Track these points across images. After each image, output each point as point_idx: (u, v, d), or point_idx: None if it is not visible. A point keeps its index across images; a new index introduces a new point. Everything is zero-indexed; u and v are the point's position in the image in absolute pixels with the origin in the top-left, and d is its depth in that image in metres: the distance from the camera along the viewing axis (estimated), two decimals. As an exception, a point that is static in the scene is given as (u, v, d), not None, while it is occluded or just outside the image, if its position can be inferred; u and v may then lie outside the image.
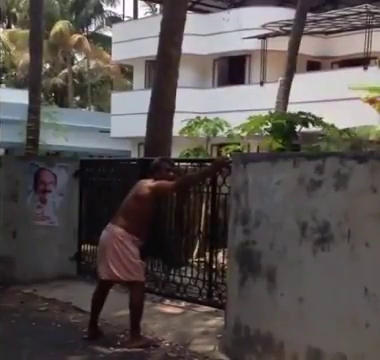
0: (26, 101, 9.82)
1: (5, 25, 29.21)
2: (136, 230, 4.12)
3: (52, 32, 25.51)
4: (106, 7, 30.69)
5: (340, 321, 3.16)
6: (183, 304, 4.95)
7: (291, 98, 11.10)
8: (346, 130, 7.69)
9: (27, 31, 17.47)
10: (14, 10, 29.64)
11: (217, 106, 15.29)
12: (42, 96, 10.66)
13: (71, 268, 6.15)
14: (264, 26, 15.96)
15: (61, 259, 6.09)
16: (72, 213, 6.22)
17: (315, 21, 15.25)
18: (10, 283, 5.91)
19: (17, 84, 27.23)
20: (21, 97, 12.71)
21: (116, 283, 4.39)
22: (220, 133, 9.28)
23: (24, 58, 23.57)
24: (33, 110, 9.51)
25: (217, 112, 12.54)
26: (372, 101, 9.17)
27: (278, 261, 3.46)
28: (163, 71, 7.22)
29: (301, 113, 7.70)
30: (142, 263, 4.26)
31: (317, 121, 7.57)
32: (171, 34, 7.19)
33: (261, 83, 16.21)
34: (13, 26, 29.42)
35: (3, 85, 26.70)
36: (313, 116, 7.66)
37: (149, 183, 4.19)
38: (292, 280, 3.38)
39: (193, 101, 15.76)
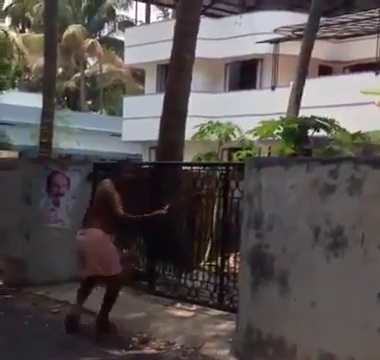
0: (39, 104, 9.91)
1: (19, 29, 29.54)
2: (110, 228, 4.48)
3: (64, 35, 25.75)
4: (119, 11, 30.92)
5: (352, 325, 3.15)
6: (194, 307, 4.96)
7: (303, 103, 11.08)
8: (358, 134, 7.66)
9: (41, 35, 17.67)
10: (28, 14, 29.99)
11: (228, 110, 15.30)
12: (55, 100, 10.73)
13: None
14: (276, 30, 15.95)
15: (73, 261, 6.10)
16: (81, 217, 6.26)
17: (327, 25, 15.21)
18: (23, 285, 5.96)
19: (31, 88, 27.51)
20: (34, 100, 12.84)
21: (98, 277, 4.58)
22: (232, 138, 9.30)
23: (38, 62, 23.79)
24: (47, 113, 9.59)
25: (228, 116, 12.56)
26: (385, 105, 9.12)
27: (291, 265, 3.46)
28: (176, 75, 7.26)
29: (314, 117, 7.69)
30: (125, 254, 4.69)
31: (330, 125, 7.56)
32: (184, 38, 7.23)
33: (273, 87, 16.19)
34: (27, 30, 29.75)
35: (17, 89, 26.99)
36: (325, 120, 7.64)
37: (108, 189, 4.50)
38: (305, 284, 3.38)
39: (204, 105, 15.78)
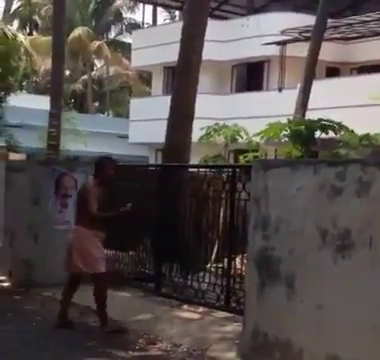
0: (47, 107, 9.97)
1: (27, 32, 29.73)
2: (93, 225, 4.56)
3: (71, 38, 25.88)
4: (126, 14, 31.02)
5: (360, 328, 3.14)
6: (201, 309, 4.96)
7: (310, 104, 11.05)
8: (366, 136, 7.63)
9: (49, 38, 17.77)
10: (36, 17, 30.18)
11: (235, 112, 15.29)
12: (62, 102, 10.78)
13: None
14: (283, 32, 15.94)
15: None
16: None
17: (335, 27, 15.18)
18: (31, 286, 5.99)
19: (38, 90, 27.66)
20: (42, 103, 12.92)
21: (80, 273, 4.73)
22: (239, 140, 9.28)
23: (45, 64, 23.94)
24: (54, 115, 9.65)
25: (235, 118, 12.53)
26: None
27: (298, 267, 3.46)
28: (183, 77, 7.28)
29: (321, 120, 7.67)
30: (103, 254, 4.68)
31: (338, 127, 7.53)
32: (192, 40, 7.26)
33: (279, 89, 16.17)
34: (35, 33, 29.94)
35: (25, 91, 27.15)
36: (333, 122, 7.62)
37: (86, 187, 4.66)
38: (312, 287, 3.37)
39: (211, 107, 15.79)
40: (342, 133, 7.68)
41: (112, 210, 4.69)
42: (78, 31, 26.40)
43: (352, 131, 7.66)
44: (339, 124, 7.62)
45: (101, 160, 4.77)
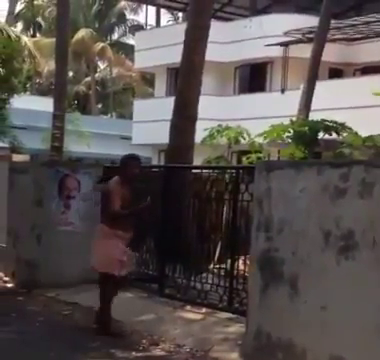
0: (50, 108, 10.01)
1: (30, 34, 29.83)
2: (115, 224, 4.47)
3: (74, 39, 25.95)
4: (129, 16, 31.12)
5: (363, 329, 3.14)
6: (204, 310, 4.96)
7: (313, 105, 11.06)
8: (370, 137, 7.62)
9: (52, 40, 17.83)
10: (39, 19, 30.28)
11: (238, 113, 15.31)
12: (66, 103, 10.82)
13: (93, 273, 6.20)
14: (286, 33, 15.95)
15: (84, 264, 6.13)
16: (95, 218, 6.28)
17: (338, 28, 15.18)
18: (34, 287, 6.00)
19: (42, 91, 27.76)
20: (46, 104, 12.97)
21: (95, 272, 4.66)
22: (241, 141, 9.30)
23: (49, 66, 24.03)
24: (58, 117, 9.69)
25: (238, 119, 12.56)
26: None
27: (301, 269, 3.46)
28: (187, 78, 7.30)
29: (324, 121, 7.67)
30: (129, 254, 4.60)
31: (341, 128, 7.53)
32: (195, 42, 7.27)
33: (282, 90, 16.17)
34: (38, 35, 30.04)
35: (28, 92, 27.24)
36: (336, 122, 7.62)
37: (109, 186, 4.56)
38: (315, 288, 3.38)
39: (214, 108, 15.79)
40: (345, 134, 7.67)
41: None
42: (81, 33, 26.50)
43: (356, 133, 7.65)
44: (342, 125, 7.61)
45: (125, 159, 4.65)
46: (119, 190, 4.50)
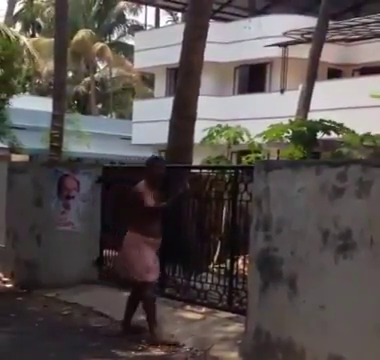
0: (49, 108, 10.01)
1: (29, 34, 29.83)
2: (148, 231, 4.41)
3: (74, 40, 25.97)
4: (128, 16, 31.13)
5: (362, 328, 3.15)
6: (203, 310, 4.97)
7: (312, 106, 11.07)
8: (367, 135, 7.63)
9: (51, 40, 17.84)
10: (38, 19, 30.28)
11: (237, 114, 15.32)
12: (65, 103, 10.83)
13: (93, 273, 6.23)
14: (285, 34, 15.98)
15: (83, 264, 6.17)
16: (94, 219, 6.32)
17: (336, 29, 15.21)
18: (34, 287, 6.02)
19: (41, 92, 27.75)
20: (45, 104, 12.98)
21: (130, 281, 4.55)
22: (241, 141, 9.31)
23: (48, 66, 24.02)
24: (57, 117, 9.69)
25: (237, 120, 12.57)
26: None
27: (300, 268, 3.47)
28: (185, 79, 7.31)
29: (323, 121, 7.68)
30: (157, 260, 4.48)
31: (339, 128, 7.54)
32: (194, 42, 7.29)
33: (282, 91, 16.19)
34: (37, 35, 30.04)
35: (27, 93, 27.24)
36: (334, 122, 7.63)
37: (136, 190, 4.48)
38: (314, 287, 3.39)
39: (213, 108, 15.81)
40: (344, 134, 7.69)
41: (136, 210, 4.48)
42: (81, 33, 26.50)
43: (353, 132, 7.66)
44: (340, 125, 7.63)
45: (150, 161, 4.61)
46: (149, 191, 4.45)
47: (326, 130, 7.59)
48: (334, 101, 13.73)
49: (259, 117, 13.89)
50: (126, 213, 4.62)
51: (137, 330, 4.53)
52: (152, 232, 4.44)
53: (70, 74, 27.99)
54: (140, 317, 4.59)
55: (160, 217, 4.58)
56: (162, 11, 27.26)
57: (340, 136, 7.77)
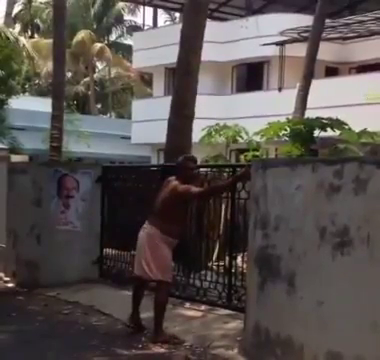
0: (49, 109, 10.02)
1: (28, 35, 29.82)
2: (169, 230, 4.30)
3: (74, 41, 25.98)
4: (127, 16, 31.14)
5: (360, 325, 3.18)
6: (203, 307, 5.01)
7: (309, 104, 11.09)
8: (364, 132, 7.64)
9: (50, 41, 17.82)
10: (37, 20, 30.27)
11: (235, 112, 15.35)
12: (64, 104, 10.85)
13: (93, 272, 6.26)
14: (282, 33, 15.99)
15: (84, 263, 6.20)
16: (94, 218, 6.35)
17: (333, 27, 15.22)
18: (34, 286, 6.04)
19: (41, 92, 27.74)
20: (44, 105, 12.98)
21: (146, 280, 4.48)
22: (239, 140, 9.34)
23: (47, 67, 24.02)
24: (56, 117, 9.70)
25: (235, 118, 12.59)
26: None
27: (297, 265, 3.50)
28: (183, 78, 7.33)
29: (319, 118, 7.70)
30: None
31: (336, 124, 7.55)
32: (191, 41, 7.31)
33: (279, 89, 16.21)
34: (36, 36, 30.03)
35: (27, 93, 27.25)
36: (331, 119, 7.64)
37: (177, 185, 4.28)
38: (312, 284, 3.41)
39: (212, 107, 15.84)
40: (341, 132, 7.70)
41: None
42: (81, 34, 26.50)
43: (349, 128, 7.68)
44: (337, 120, 7.64)
45: (182, 160, 4.42)
46: (183, 185, 4.25)
47: (323, 127, 7.61)
48: (331, 99, 13.75)
49: (257, 115, 13.91)
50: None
51: (139, 328, 4.56)
52: (175, 233, 4.31)
53: (69, 74, 28.00)
54: (141, 315, 4.62)
55: (186, 219, 4.51)
56: (160, 11, 27.28)
57: (337, 133, 7.79)
